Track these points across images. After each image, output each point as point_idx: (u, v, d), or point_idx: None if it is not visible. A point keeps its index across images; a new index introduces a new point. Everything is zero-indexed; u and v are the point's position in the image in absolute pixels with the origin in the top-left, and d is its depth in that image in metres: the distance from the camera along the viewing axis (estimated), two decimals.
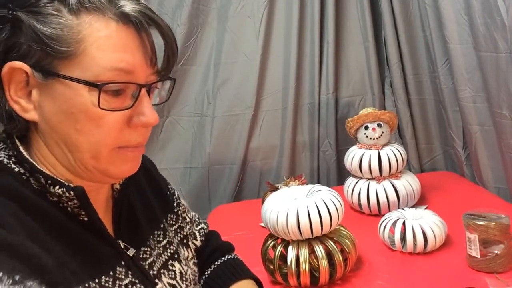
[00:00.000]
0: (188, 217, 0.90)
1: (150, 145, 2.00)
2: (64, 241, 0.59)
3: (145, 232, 0.74)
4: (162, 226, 0.79)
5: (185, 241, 0.84)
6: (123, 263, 0.66)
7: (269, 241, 1.25)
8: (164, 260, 0.76)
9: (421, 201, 1.66)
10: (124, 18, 0.58)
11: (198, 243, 0.91)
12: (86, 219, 0.63)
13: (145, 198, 0.79)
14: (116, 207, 0.71)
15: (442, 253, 1.30)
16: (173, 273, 0.75)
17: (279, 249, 1.21)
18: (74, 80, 0.56)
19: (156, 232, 0.77)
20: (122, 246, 0.68)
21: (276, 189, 1.56)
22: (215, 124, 2.00)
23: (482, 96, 1.64)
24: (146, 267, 0.70)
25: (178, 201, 0.88)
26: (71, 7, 0.56)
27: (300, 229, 1.16)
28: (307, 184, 1.46)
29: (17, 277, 0.49)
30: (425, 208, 1.50)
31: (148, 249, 0.73)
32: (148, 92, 0.62)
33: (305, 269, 1.16)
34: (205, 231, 0.96)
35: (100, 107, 0.57)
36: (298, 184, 1.61)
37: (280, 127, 2.02)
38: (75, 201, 0.61)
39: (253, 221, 1.62)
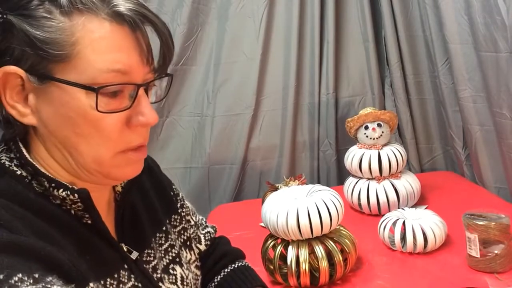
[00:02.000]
0: (193, 220, 0.88)
1: (150, 145, 2.00)
2: (73, 241, 0.59)
3: (148, 235, 0.73)
4: (164, 228, 0.78)
5: (188, 243, 0.83)
6: (126, 266, 0.66)
7: (269, 241, 1.25)
8: (165, 263, 0.74)
9: (421, 201, 1.66)
10: (118, 17, 0.57)
11: (202, 247, 0.90)
12: (89, 221, 0.62)
13: (148, 199, 0.78)
14: (118, 209, 0.70)
15: (442, 253, 1.30)
16: (173, 277, 0.74)
17: (279, 249, 1.21)
18: (70, 83, 0.56)
19: (158, 234, 0.76)
20: (125, 249, 0.67)
21: (276, 189, 1.55)
22: (215, 124, 1.99)
23: (482, 96, 1.63)
24: (150, 270, 0.70)
25: (182, 202, 0.87)
26: (62, 8, 0.55)
27: (300, 229, 1.16)
28: (307, 184, 1.46)
29: (36, 275, 0.49)
30: (425, 208, 1.50)
31: (152, 252, 0.72)
32: (146, 91, 0.62)
33: (305, 269, 1.16)
34: (212, 235, 0.94)
35: (98, 110, 0.56)
36: (298, 184, 1.61)
37: (280, 127, 2.02)
38: (79, 204, 0.60)
39: (253, 221, 1.61)
